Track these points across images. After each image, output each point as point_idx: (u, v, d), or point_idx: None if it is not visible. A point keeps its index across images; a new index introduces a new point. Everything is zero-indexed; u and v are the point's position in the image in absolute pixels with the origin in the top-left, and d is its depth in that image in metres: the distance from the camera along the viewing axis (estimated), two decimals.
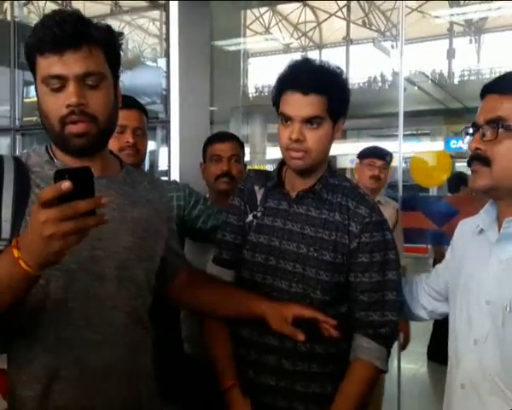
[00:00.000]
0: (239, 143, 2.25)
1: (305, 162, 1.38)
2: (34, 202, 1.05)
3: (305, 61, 1.41)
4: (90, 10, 9.67)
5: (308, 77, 1.36)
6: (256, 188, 1.51)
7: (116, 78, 1.19)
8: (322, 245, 1.39)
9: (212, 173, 2.15)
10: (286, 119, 1.38)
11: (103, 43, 1.12)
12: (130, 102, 1.86)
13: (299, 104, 1.35)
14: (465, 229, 1.35)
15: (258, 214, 1.48)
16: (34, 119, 5.89)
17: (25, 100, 5.48)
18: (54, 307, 1.09)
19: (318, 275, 1.38)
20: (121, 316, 1.16)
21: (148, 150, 2.00)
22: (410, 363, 4.36)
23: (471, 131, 1.20)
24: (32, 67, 1.12)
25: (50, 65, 1.07)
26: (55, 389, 1.10)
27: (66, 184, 0.82)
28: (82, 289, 1.11)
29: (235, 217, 1.54)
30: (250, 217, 1.50)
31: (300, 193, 1.44)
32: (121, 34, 1.18)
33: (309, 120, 1.35)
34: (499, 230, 1.18)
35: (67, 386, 1.10)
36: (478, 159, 1.15)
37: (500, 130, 1.12)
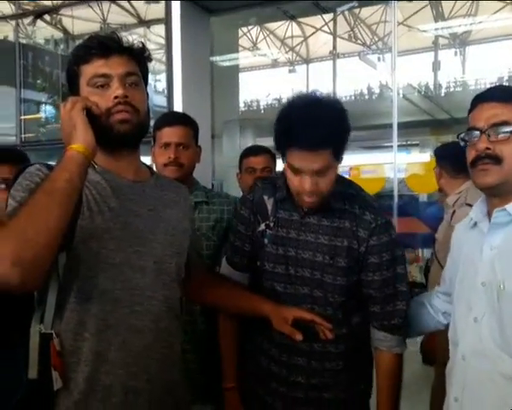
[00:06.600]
0: (271, 156, 2.50)
1: (318, 202, 1.48)
2: (83, 204, 1.18)
3: (307, 114, 1.36)
4: (78, 28, 9.58)
5: (314, 134, 1.33)
6: (265, 198, 1.59)
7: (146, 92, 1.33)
8: (336, 252, 1.48)
9: (246, 184, 2.43)
10: (295, 170, 1.42)
11: (139, 58, 1.29)
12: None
13: (309, 160, 1.38)
14: (460, 229, 1.53)
15: (271, 224, 1.56)
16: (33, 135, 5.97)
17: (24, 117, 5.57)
18: (101, 297, 1.21)
19: (335, 281, 1.49)
20: (158, 304, 1.30)
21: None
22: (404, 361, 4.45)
23: (474, 134, 1.34)
24: (73, 80, 1.26)
25: (97, 67, 1.23)
26: (102, 371, 1.21)
27: None
28: (126, 281, 1.24)
29: (243, 226, 1.63)
30: (262, 226, 1.58)
31: None
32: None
33: (319, 171, 1.41)
34: (490, 221, 1.35)
35: (113, 368, 1.22)
36: (489, 157, 1.30)
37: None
